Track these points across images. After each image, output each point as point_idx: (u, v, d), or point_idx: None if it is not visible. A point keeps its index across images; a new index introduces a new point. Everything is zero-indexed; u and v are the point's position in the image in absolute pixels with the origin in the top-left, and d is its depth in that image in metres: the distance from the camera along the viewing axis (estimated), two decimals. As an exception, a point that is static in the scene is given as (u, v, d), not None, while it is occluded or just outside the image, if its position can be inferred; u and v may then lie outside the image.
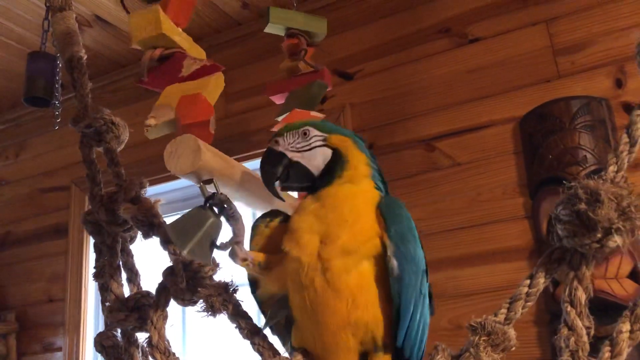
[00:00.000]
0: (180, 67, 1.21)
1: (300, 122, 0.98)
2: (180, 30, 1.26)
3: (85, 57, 1.31)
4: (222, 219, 1.01)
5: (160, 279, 0.97)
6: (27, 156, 3.48)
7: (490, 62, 2.23)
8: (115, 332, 1.19)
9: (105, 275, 1.14)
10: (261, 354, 0.88)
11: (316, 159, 0.95)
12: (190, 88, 1.14)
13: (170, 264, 0.97)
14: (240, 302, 0.91)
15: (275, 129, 1.63)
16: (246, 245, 1.00)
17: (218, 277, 0.94)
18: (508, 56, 2.21)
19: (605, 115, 1.94)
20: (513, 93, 2.16)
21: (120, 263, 1.13)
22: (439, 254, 2.12)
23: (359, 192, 0.93)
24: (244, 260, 0.97)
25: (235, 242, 0.98)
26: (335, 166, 0.94)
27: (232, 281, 0.92)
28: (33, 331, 3.10)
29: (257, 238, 1.02)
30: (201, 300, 0.90)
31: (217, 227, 1.00)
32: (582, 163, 1.88)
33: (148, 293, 1.04)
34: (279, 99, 1.65)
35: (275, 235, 1.00)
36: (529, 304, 0.85)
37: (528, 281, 0.84)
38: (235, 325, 0.92)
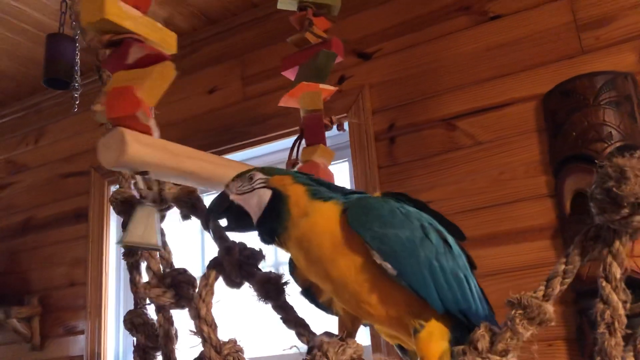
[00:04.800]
0: (128, 54, 1.18)
1: (253, 168, 1.00)
2: (139, 14, 1.19)
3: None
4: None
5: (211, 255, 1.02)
6: (47, 142, 3.50)
7: (512, 39, 2.20)
8: (145, 310, 1.20)
9: (136, 254, 1.15)
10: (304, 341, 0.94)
11: (253, 199, 0.95)
12: (135, 77, 1.10)
13: (228, 244, 1.01)
14: (288, 294, 0.97)
15: (280, 103, 1.62)
16: None
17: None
18: (530, 33, 2.17)
19: (630, 90, 1.91)
20: (535, 70, 2.13)
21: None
22: (461, 233, 2.11)
23: (321, 224, 0.92)
24: None
25: None
26: (278, 205, 0.94)
27: (283, 273, 0.99)
28: (56, 314, 3.14)
29: None
30: (254, 286, 0.96)
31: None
32: (607, 140, 1.85)
33: (184, 270, 1.05)
34: (292, 74, 1.63)
35: None
36: (566, 280, 0.87)
37: (564, 259, 0.87)
38: (280, 316, 0.97)
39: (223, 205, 0.97)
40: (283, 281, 0.99)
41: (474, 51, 2.27)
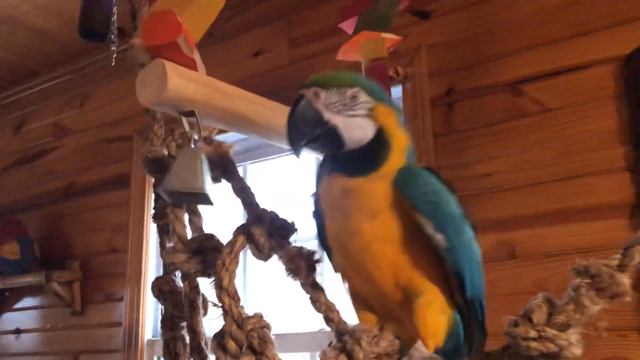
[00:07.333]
0: None
1: (352, 79, 0.83)
2: None
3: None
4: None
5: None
6: (91, 106, 3.50)
7: (589, -6, 1.98)
8: (174, 277, 1.12)
9: (165, 216, 1.05)
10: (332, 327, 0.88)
11: (356, 132, 0.81)
12: (179, 2, 0.97)
13: (258, 211, 0.94)
14: (319, 273, 0.90)
15: (339, 56, 1.47)
16: None
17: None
18: (611, -14, 1.94)
19: None
20: (616, 29, 1.90)
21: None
22: (523, 209, 1.94)
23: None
24: None
25: None
26: (379, 149, 0.82)
27: (316, 250, 0.91)
28: (96, 281, 3.14)
29: None
30: (283, 259, 0.89)
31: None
32: (701, 107, 1.63)
33: (212, 236, 0.95)
34: (349, 26, 1.49)
35: None
36: None
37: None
38: (309, 296, 0.89)
39: (318, 127, 0.80)
40: (315, 258, 0.90)
41: (544, 8, 2.05)
